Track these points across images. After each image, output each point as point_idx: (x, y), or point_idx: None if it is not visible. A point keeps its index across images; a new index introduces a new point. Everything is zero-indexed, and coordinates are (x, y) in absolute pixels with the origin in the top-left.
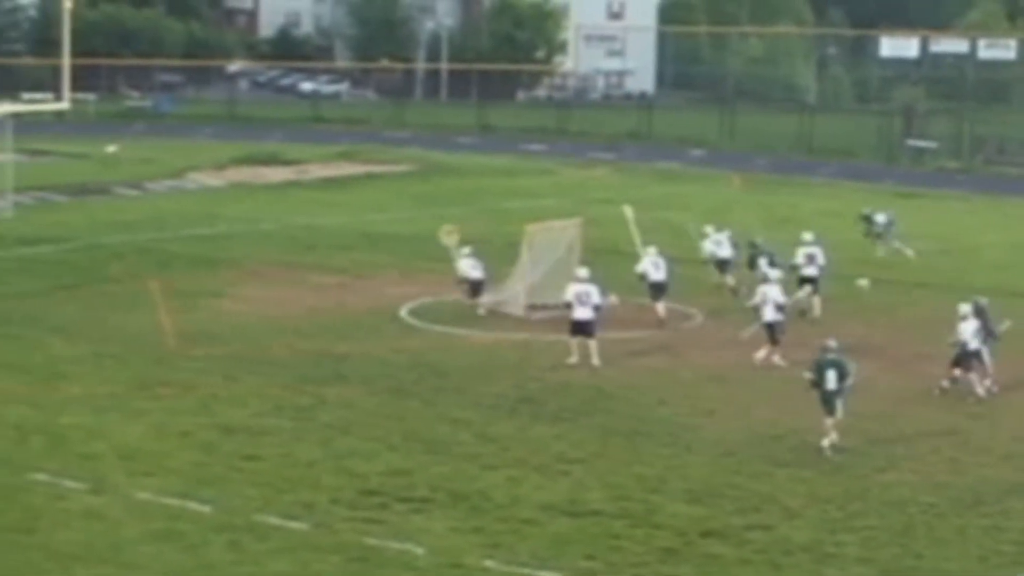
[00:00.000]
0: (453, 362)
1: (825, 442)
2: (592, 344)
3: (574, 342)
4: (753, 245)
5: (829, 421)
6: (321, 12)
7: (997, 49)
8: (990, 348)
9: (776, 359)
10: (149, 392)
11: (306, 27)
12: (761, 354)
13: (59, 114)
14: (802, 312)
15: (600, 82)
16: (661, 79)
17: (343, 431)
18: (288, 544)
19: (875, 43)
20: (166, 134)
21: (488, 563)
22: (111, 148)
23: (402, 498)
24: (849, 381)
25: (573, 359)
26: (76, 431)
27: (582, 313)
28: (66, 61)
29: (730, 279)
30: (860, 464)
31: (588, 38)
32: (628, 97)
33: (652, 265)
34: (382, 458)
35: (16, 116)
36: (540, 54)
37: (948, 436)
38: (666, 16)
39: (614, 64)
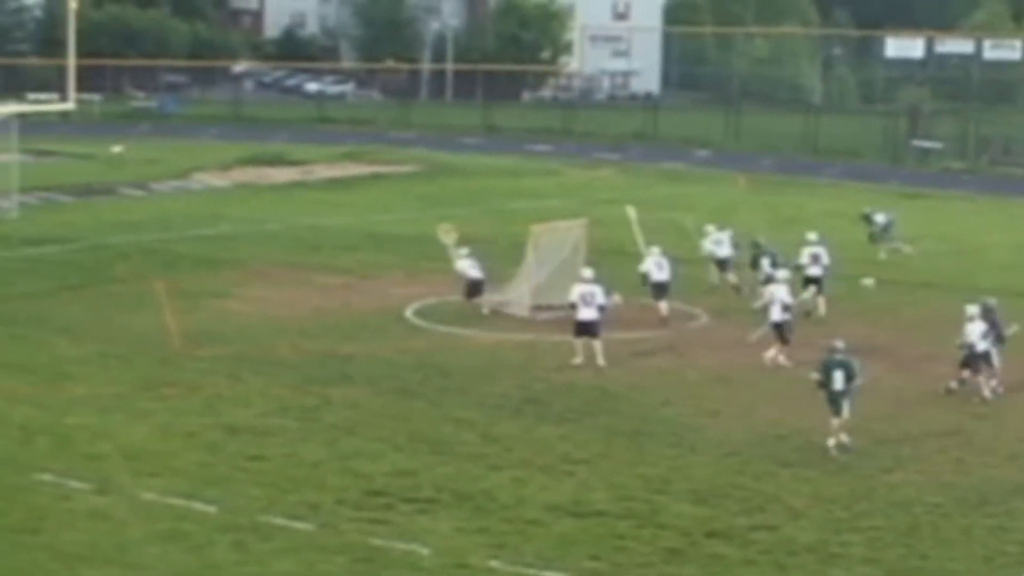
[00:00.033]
0: (458, 362)
1: (831, 442)
2: (597, 344)
3: (579, 343)
4: (756, 245)
5: (835, 422)
6: (326, 12)
7: (1002, 50)
8: (999, 350)
9: (781, 359)
10: (154, 392)
11: (311, 28)
12: (770, 354)
13: (64, 114)
14: (807, 313)
15: (605, 82)
16: (666, 79)
17: (348, 431)
18: (293, 544)
19: (880, 44)
20: (171, 134)
21: (493, 563)
22: (116, 148)
23: (407, 498)
24: (857, 382)
25: (578, 360)
26: (81, 431)
27: (586, 314)
28: (71, 61)
29: (731, 277)
30: (865, 464)
31: (593, 38)
32: (633, 97)
33: (655, 265)
34: (387, 458)
35: (21, 116)
36: (545, 55)
37: (953, 436)
38: (671, 17)
39: (619, 65)
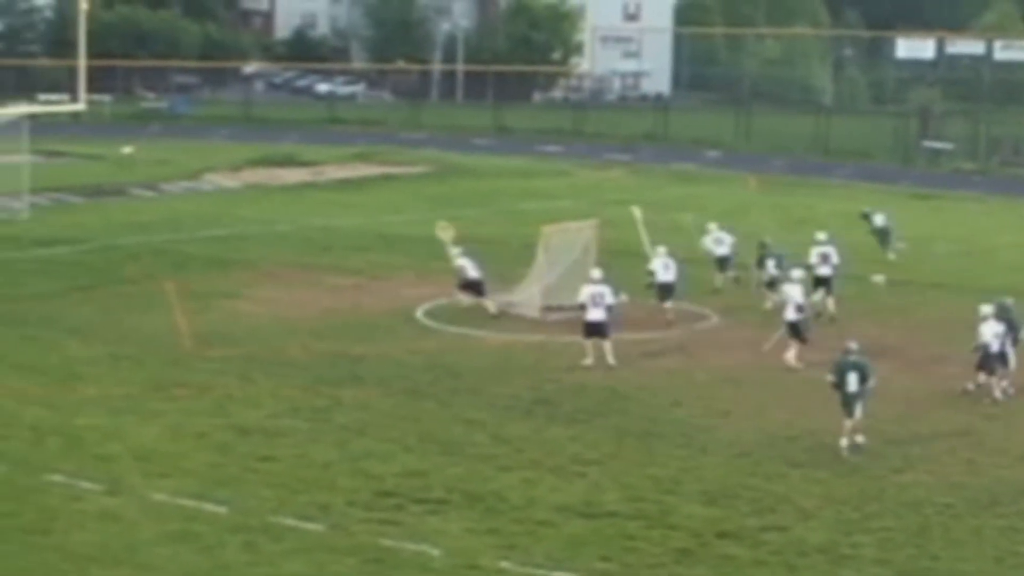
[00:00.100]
0: (469, 363)
1: (844, 442)
2: (607, 345)
3: (588, 344)
4: (763, 245)
5: (848, 423)
6: (337, 13)
7: (1013, 50)
8: (1015, 351)
9: (790, 358)
10: (165, 393)
11: (322, 28)
12: (790, 355)
13: (75, 115)
14: (817, 314)
15: (616, 83)
16: (677, 80)
17: (359, 432)
18: (304, 545)
19: (891, 44)
20: (182, 135)
21: (504, 564)
22: (127, 149)
23: (418, 499)
24: (871, 383)
25: (588, 361)
26: (92, 432)
27: (595, 314)
28: (82, 62)
29: (731, 272)
30: (876, 465)
31: (604, 39)
32: (644, 98)
33: (662, 266)
34: (398, 459)
35: (32, 117)
36: (556, 55)
37: (964, 437)
38: (682, 17)
39: (630, 65)
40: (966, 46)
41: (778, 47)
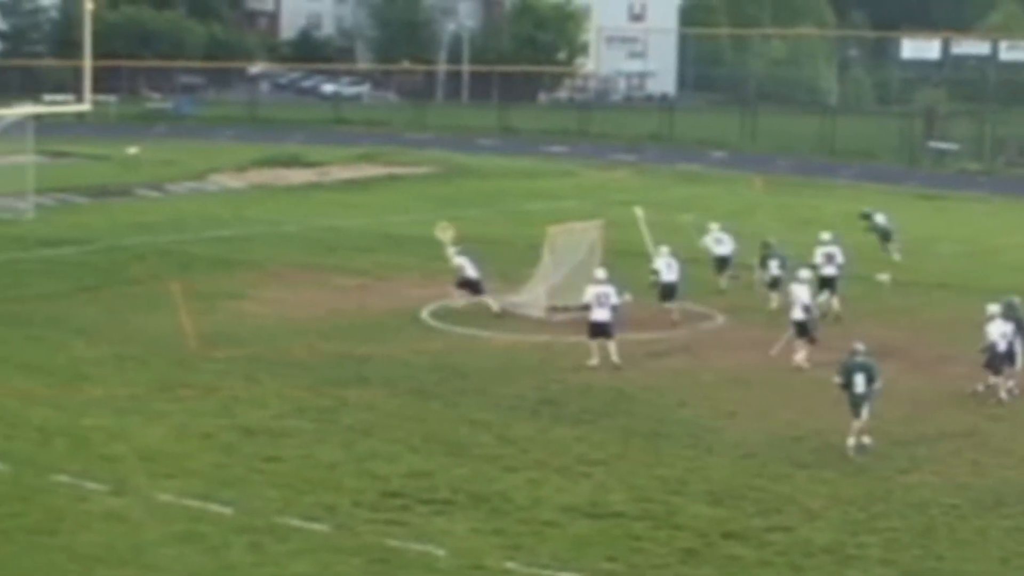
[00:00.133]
0: (474, 364)
1: (851, 441)
2: (611, 344)
3: (594, 344)
4: (766, 245)
5: (856, 424)
6: (342, 14)
7: (1019, 51)
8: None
9: (799, 359)
10: (170, 394)
11: (327, 29)
12: (800, 356)
13: (80, 116)
14: (823, 315)
15: (621, 84)
16: (682, 81)
17: (364, 433)
18: (309, 546)
19: (896, 45)
20: (187, 136)
21: (509, 564)
22: (132, 150)
23: (423, 500)
24: (877, 384)
25: (593, 361)
26: (98, 432)
27: (600, 315)
28: (87, 63)
29: (729, 272)
30: (882, 466)
31: (609, 40)
32: (649, 99)
33: (664, 266)
34: (403, 460)
35: (37, 118)
36: (561, 56)
37: (969, 438)
38: (687, 18)
39: (635, 66)
40: (972, 47)
41: (783, 47)
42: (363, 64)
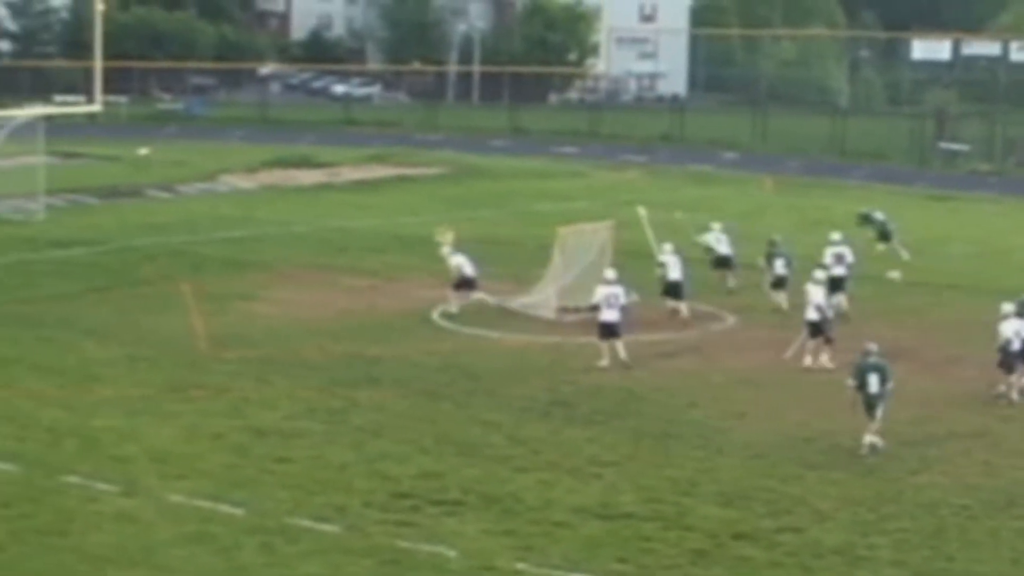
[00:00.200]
0: (485, 364)
1: (866, 439)
2: (619, 343)
3: (604, 345)
4: (772, 243)
5: (871, 425)
6: (353, 14)
7: None
8: None
9: (808, 360)
10: (181, 394)
11: (338, 30)
12: (824, 358)
13: (91, 116)
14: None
15: (632, 84)
16: (693, 81)
17: (375, 434)
18: (320, 547)
19: (907, 46)
20: (198, 136)
21: (520, 566)
22: (143, 151)
23: (434, 501)
24: (889, 385)
25: (604, 362)
26: (109, 433)
27: (609, 315)
28: (98, 64)
29: (734, 273)
30: (892, 466)
31: (620, 41)
32: (660, 99)
33: (671, 263)
34: (414, 461)
35: (48, 118)
36: (572, 57)
37: (980, 438)
38: (698, 18)
39: (646, 67)
40: (982, 47)
41: (794, 48)
42: (374, 65)
